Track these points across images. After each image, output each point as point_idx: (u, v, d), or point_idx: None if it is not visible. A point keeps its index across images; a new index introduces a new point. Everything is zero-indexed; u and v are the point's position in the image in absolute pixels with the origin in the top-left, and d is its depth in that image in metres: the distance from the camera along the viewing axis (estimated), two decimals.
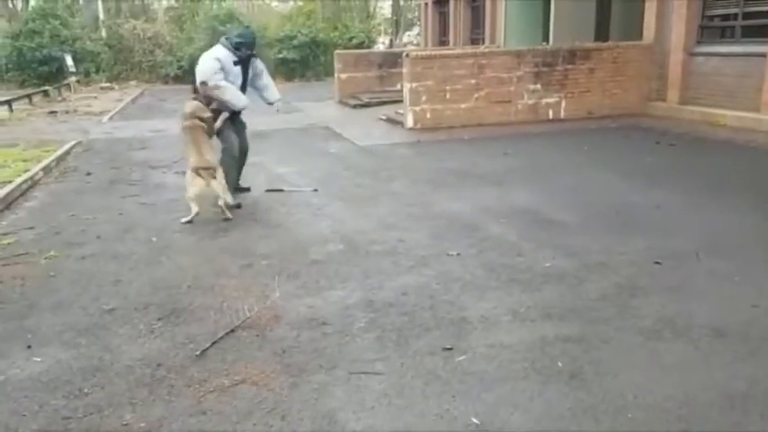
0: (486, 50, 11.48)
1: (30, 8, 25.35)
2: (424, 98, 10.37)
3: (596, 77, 10.86)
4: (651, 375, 2.76)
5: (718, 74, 9.57)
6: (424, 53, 11.41)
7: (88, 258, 4.61)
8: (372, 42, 28.58)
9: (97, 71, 23.40)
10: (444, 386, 2.76)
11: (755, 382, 2.67)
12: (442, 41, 20.61)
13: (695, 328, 3.15)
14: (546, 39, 13.61)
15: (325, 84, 21.72)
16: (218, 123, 5.81)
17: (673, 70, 10.23)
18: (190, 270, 4.33)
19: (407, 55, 10.46)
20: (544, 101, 10.72)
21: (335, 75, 16.17)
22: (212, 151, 5.57)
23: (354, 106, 14.72)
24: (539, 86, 10.66)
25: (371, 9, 37.07)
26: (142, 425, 2.55)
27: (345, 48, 22.35)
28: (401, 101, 11.84)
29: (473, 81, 10.43)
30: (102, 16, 25.53)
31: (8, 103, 14.82)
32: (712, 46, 9.85)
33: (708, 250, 4.29)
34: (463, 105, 10.48)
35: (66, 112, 14.64)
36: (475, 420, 2.49)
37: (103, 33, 24.70)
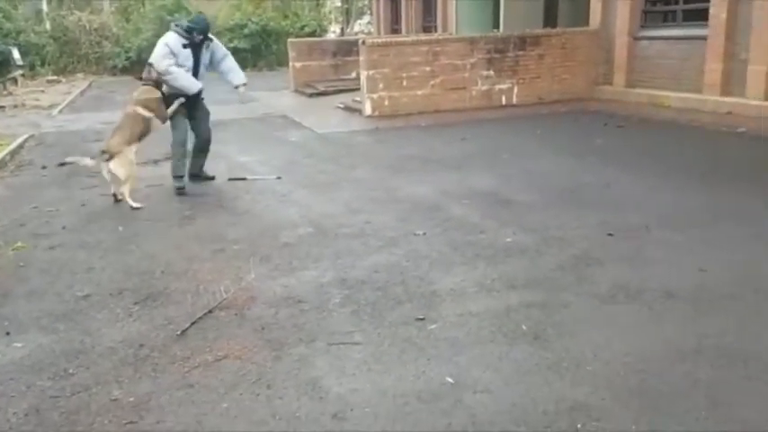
0: (441, 38, 11.67)
1: None
2: (381, 85, 10.49)
3: (546, 63, 11.17)
4: (608, 334, 3.00)
5: (661, 57, 10.02)
6: (379, 41, 11.53)
7: (57, 248, 4.60)
8: (324, 31, 28.46)
9: (43, 64, 22.61)
10: (419, 352, 2.93)
11: (705, 337, 2.92)
12: (394, 29, 20.71)
13: (648, 292, 3.41)
14: (497, 26, 13.90)
15: (278, 73, 21.58)
16: (172, 109, 5.89)
17: (618, 54, 10.64)
18: (161, 256, 4.38)
19: (364, 42, 10.56)
20: (497, 87, 10.99)
21: (290, 64, 16.12)
22: (122, 138, 5.61)
23: (311, 95, 14.73)
24: (491, 73, 10.92)
25: None
26: (131, 399, 2.64)
27: (297, 36, 22.19)
28: (357, 89, 11.93)
29: (428, 68, 10.61)
30: (45, 8, 24.66)
31: None
32: (656, 30, 10.29)
33: (657, 223, 4.59)
34: (419, 92, 10.66)
35: (15, 107, 14.17)
36: (449, 380, 2.67)
37: (48, 26, 23.88)
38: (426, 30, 18.10)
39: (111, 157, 5.50)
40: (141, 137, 5.78)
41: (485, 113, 10.41)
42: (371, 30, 27.88)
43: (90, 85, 20.34)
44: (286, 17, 26.28)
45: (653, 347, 2.85)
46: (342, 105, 12.21)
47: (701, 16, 9.29)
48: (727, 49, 8.83)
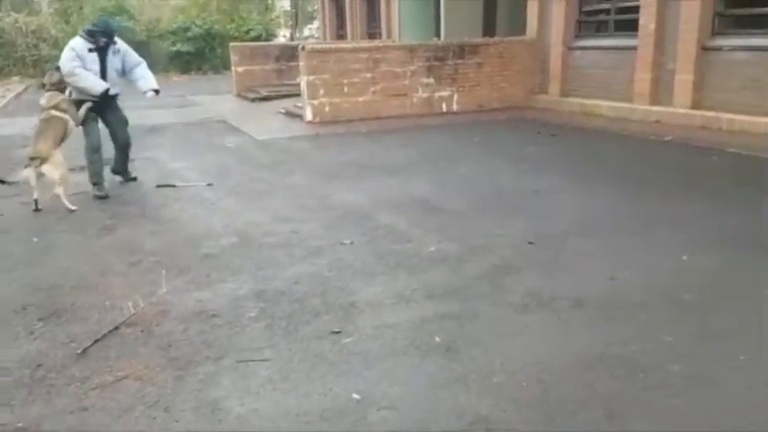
0: (381, 45, 11.70)
1: None
2: (321, 91, 10.44)
3: (485, 72, 11.34)
4: (517, 344, 3.01)
5: (594, 67, 10.29)
6: (319, 47, 11.48)
7: None
8: (272, 35, 28.22)
9: None
10: (329, 367, 2.88)
11: (608, 345, 2.97)
12: (340, 35, 20.71)
13: (558, 300, 3.45)
14: (438, 34, 14.03)
15: (223, 77, 21.27)
16: (82, 112, 5.93)
17: (553, 64, 10.87)
18: (74, 269, 4.21)
19: (303, 48, 10.49)
20: (437, 94, 11.08)
21: (232, 68, 15.90)
22: (48, 142, 5.59)
23: (253, 100, 14.56)
24: (432, 80, 11.00)
25: (270, 1, 36.53)
26: (20, 425, 2.50)
27: (242, 40, 21.94)
28: (301, 94, 11.95)
29: (369, 75, 10.61)
30: None
31: None
32: (589, 40, 10.56)
33: (578, 230, 4.67)
34: (360, 99, 10.65)
35: None
36: (356, 396, 2.63)
37: None
38: (371, 36, 18.16)
39: (42, 162, 5.45)
40: (61, 140, 5.73)
41: (426, 120, 10.47)
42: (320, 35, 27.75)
43: (26, 88, 19.57)
44: (232, 21, 25.96)
45: (558, 357, 2.88)
46: (284, 111, 12.10)
47: (631, 27, 9.57)
48: (655, 59, 9.12)
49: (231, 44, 16.72)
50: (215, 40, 24.22)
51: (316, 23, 33.02)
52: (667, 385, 2.61)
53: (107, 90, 5.98)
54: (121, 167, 6.56)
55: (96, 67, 5.92)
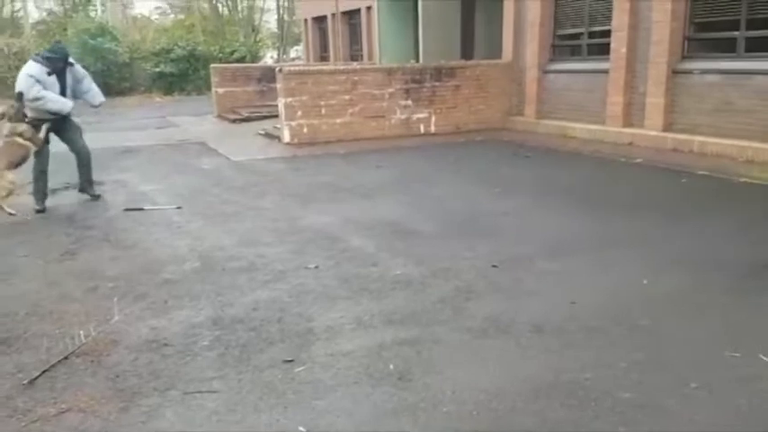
0: (359, 67, 11.76)
1: None
2: (299, 113, 10.45)
3: (462, 94, 11.42)
4: (472, 371, 2.98)
5: (568, 89, 10.40)
6: (297, 69, 11.53)
7: None
8: (257, 57, 28.32)
9: None
10: (278, 398, 2.82)
11: (562, 372, 2.94)
12: (323, 57, 20.85)
13: (517, 325, 3.43)
14: (417, 57, 14.16)
15: (205, 98, 21.24)
16: (43, 133, 6.33)
17: (529, 87, 10.99)
18: (30, 296, 4.12)
19: (281, 70, 10.52)
20: (415, 116, 11.13)
21: (213, 89, 15.91)
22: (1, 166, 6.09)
23: (234, 121, 14.55)
24: (410, 102, 11.06)
25: (256, 23, 36.75)
26: None
27: (227, 62, 22.01)
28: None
29: (347, 97, 10.65)
30: None
31: None
32: (563, 63, 10.69)
33: (544, 253, 4.66)
34: (338, 120, 10.67)
35: None
36: (302, 429, 2.57)
37: None
38: (354, 58, 18.29)
39: None
40: (18, 164, 6.25)
41: (403, 141, 10.50)
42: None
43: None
44: (216, 42, 26.05)
45: (512, 384, 2.84)
46: (263, 132, 12.10)
47: (604, 51, 9.71)
48: (627, 82, 9.24)
49: (212, 66, 16.77)
50: (198, 62, 24.24)
51: (302, 45, 33.27)
52: (617, 414, 2.58)
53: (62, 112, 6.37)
54: (86, 182, 6.85)
55: (56, 89, 6.29)
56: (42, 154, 6.41)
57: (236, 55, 25.22)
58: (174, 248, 5.09)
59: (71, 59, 6.50)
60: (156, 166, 9.10)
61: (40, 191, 6.42)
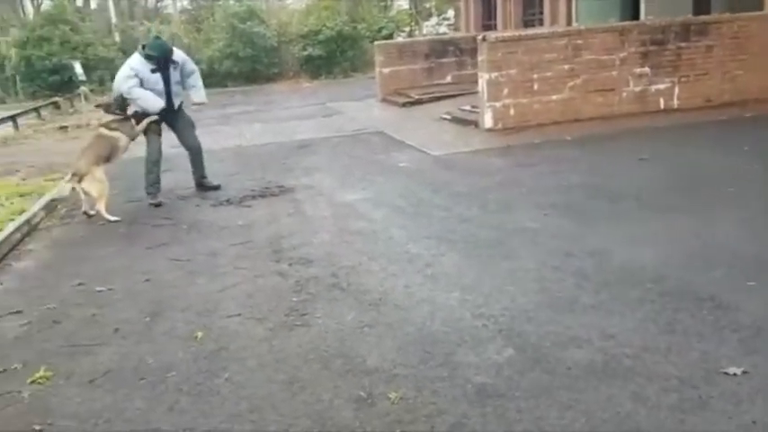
0: (583, 28, 9.34)
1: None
2: (505, 91, 8.34)
3: (714, 57, 8.73)
4: None
5: None
6: (506, 35, 9.36)
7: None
8: (401, 32, 26.58)
9: (112, 79, 21.69)
10: None
11: None
12: (486, 26, 18.48)
13: None
14: (628, 16, 11.48)
15: (354, 80, 19.81)
16: (141, 126, 6.11)
17: None
18: None
19: (484, 39, 8.42)
20: (654, 87, 8.63)
21: (377, 69, 14.15)
22: (89, 159, 5.75)
23: (404, 104, 12.71)
24: (647, 70, 8.57)
25: (389, 1, 35.04)
26: None
27: (374, 40, 20.33)
28: (457, 95, 10.49)
29: (566, 66, 8.38)
30: (114, 20, 23.77)
31: (13, 118, 13.02)
32: None
33: None
34: (554, 97, 8.45)
35: (78, 127, 12.74)
36: None
37: (117, 38, 22.92)
38: (528, 25, 15.80)
39: (81, 179, 5.62)
40: (108, 158, 5.88)
41: (640, 121, 8.14)
42: (446, 31, 25.93)
43: None
44: (363, 20, 24.52)
45: None
46: (448, 116, 10.10)
47: None
48: None
49: (376, 43, 15.03)
50: (345, 42, 22.76)
51: (433, 20, 31.14)
52: None
53: (165, 107, 6.13)
54: (201, 177, 6.56)
55: (160, 86, 6.08)
56: (152, 146, 6.24)
57: (384, 32, 23.52)
58: (451, 311, 3.19)
59: (176, 56, 6.17)
60: (343, 164, 7.38)
61: (153, 183, 6.19)
